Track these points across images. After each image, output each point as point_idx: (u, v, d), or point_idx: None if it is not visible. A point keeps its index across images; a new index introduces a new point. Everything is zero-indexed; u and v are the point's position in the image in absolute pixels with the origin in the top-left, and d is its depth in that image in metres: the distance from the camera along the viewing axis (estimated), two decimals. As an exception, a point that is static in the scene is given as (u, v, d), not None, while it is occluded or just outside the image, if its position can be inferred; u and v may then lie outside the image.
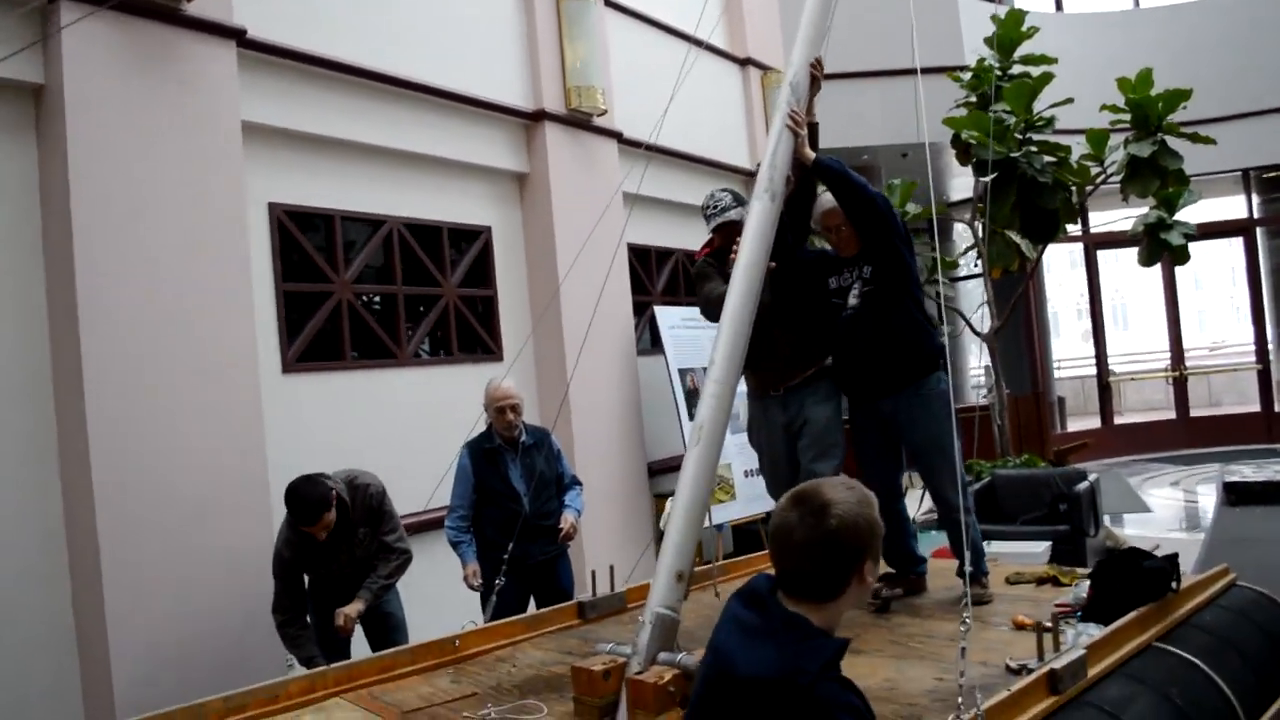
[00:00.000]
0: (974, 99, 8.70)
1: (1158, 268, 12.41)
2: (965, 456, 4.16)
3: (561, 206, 6.89)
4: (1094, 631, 3.30)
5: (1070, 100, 7.87)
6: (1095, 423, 14.65)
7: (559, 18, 7.06)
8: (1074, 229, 10.17)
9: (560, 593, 4.94)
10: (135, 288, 4.37)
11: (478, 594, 4.79)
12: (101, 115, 4.33)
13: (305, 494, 4.14)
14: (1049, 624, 3.15)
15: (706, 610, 4.34)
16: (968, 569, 3.76)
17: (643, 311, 8.06)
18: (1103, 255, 14.67)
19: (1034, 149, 7.96)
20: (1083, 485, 7.22)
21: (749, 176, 9.18)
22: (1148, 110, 8.00)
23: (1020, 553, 6.12)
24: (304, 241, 5.51)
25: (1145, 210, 8.73)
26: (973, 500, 3.89)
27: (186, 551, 4.41)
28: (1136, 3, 14.81)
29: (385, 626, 4.49)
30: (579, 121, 7.14)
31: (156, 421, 4.38)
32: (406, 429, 5.87)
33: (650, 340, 8.06)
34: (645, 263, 8.37)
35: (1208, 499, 10.66)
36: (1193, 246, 8.66)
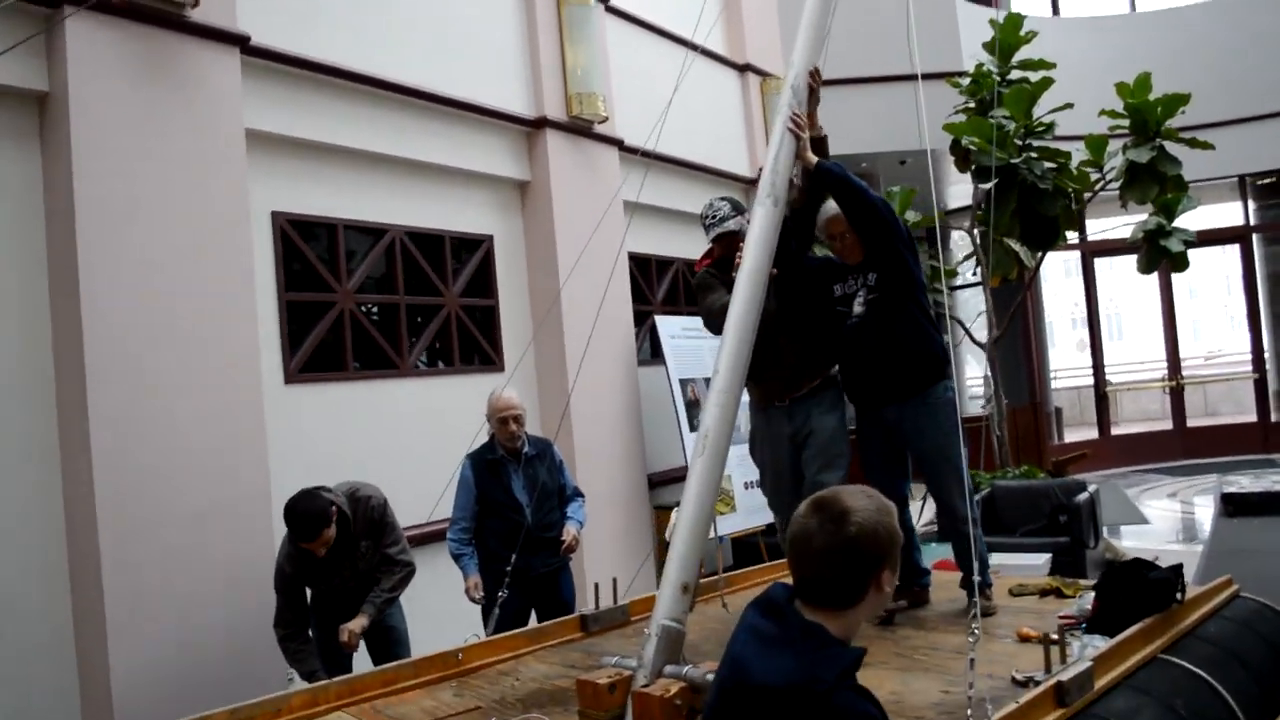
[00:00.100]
0: (973, 104, 8.71)
1: (1152, 276, 12.46)
2: (970, 466, 4.15)
3: (563, 215, 6.89)
4: (1099, 643, 3.29)
5: (1070, 105, 7.88)
6: (1092, 433, 14.63)
7: (560, 24, 7.07)
8: (1072, 236, 10.17)
9: (562, 605, 4.92)
10: (139, 296, 4.37)
11: (479, 606, 4.78)
12: (105, 122, 4.33)
13: (304, 510, 4.12)
14: (1055, 636, 3.15)
15: (711, 623, 4.33)
16: (976, 578, 3.75)
17: (643, 321, 8.05)
18: (1097, 264, 14.69)
19: (1034, 155, 7.96)
20: (1082, 496, 7.21)
21: (749, 184, 9.20)
22: (1146, 115, 8.01)
23: (1020, 564, 6.11)
24: (307, 250, 5.50)
25: (1143, 217, 8.74)
26: (979, 510, 3.88)
27: (188, 562, 4.40)
28: (1133, 7, 14.85)
29: (388, 640, 4.47)
30: (580, 129, 7.14)
31: (159, 431, 4.37)
32: (408, 440, 5.86)
33: (650, 350, 8.05)
34: (646, 272, 8.37)
35: (1205, 510, 10.66)
36: (1189, 254, 8.67)
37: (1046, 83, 8.10)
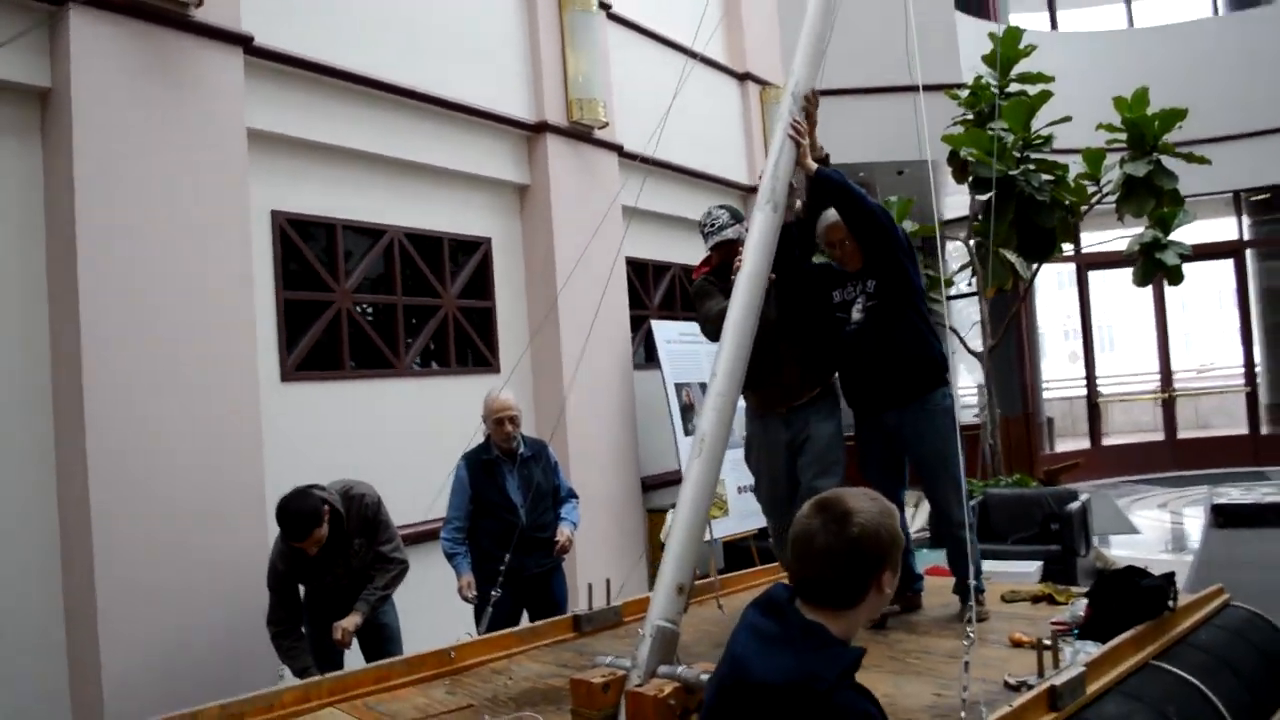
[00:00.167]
0: (970, 116, 8.76)
1: (1144, 290, 12.51)
2: (967, 474, 4.17)
3: (561, 219, 6.90)
4: (1092, 649, 3.31)
5: (1068, 119, 7.93)
6: (1083, 444, 14.69)
7: (562, 30, 7.09)
8: (1067, 248, 10.22)
9: (554, 606, 4.93)
10: (138, 292, 4.36)
11: (471, 606, 4.78)
12: (107, 119, 4.33)
13: (295, 510, 4.12)
14: (1048, 641, 3.17)
15: (705, 625, 4.35)
16: (973, 582, 3.77)
17: (639, 325, 8.07)
18: (1089, 276, 14.75)
19: (1032, 167, 8.01)
20: (1074, 505, 7.25)
21: (747, 192, 9.22)
22: (1144, 129, 8.07)
23: (1012, 572, 6.14)
24: (305, 250, 5.50)
25: (1140, 230, 8.79)
26: (974, 516, 3.91)
27: (181, 559, 4.39)
28: (1131, 23, 14.93)
29: (380, 637, 4.47)
30: (580, 134, 7.16)
31: (155, 427, 4.37)
32: (403, 440, 5.86)
33: (646, 354, 8.07)
34: (643, 277, 8.38)
35: (1194, 521, 10.71)
36: (1184, 267, 8.72)
37: (1045, 96, 8.16)
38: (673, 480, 7.72)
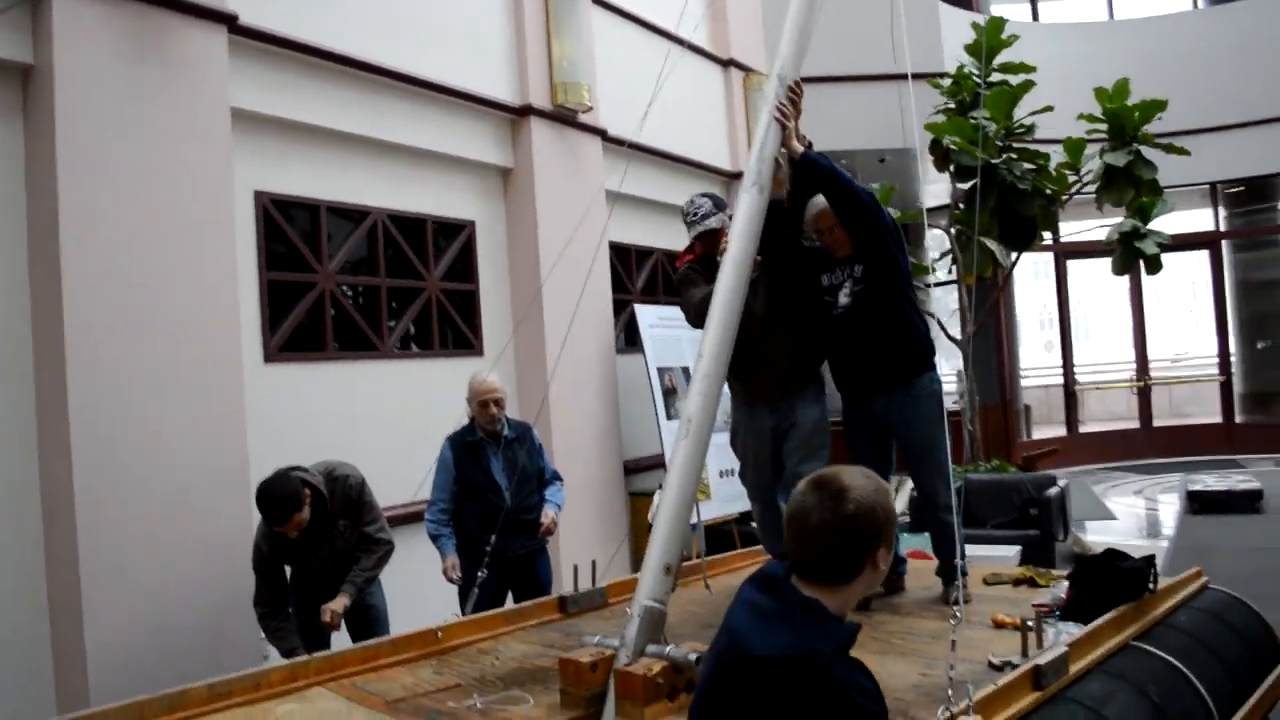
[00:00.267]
0: (952, 105, 8.80)
1: (1118, 280, 12.61)
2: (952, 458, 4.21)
3: (545, 203, 6.89)
4: (1074, 630, 3.36)
5: (1050, 108, 7.99)
6: (1059, 431, 14.82)
7: (547, 13, 7.06)
8: (1047, 237, 10.28)
9: (539, 587, 4.95)
10: (121, 271, 4.33)
11: (456, 587, 4.79)
12: (91, 97, 4.28)
13: (275, 495, 4.10)
14: (1031, 622, 3.21)
15: (690, 606, 4.37)
16: (960, 561, 3.80)
17: (622, 310, 8.07)
18: (1068, 265, 14.86)
19: (1014, 156, 8.06)
20: (1053, 490, 7.32)
21: (730, 178, 9.24)
22: (1124, 120, 8.13)
23: (991, 556, 6.21)
24: (289, 230, 5.47)
25: (1118, 220, 8.86)
26: (960, 500, 3.95)
27: (165, 539, 4.37)
28: (1111, 15, 15.01)
29: (367, 618, 4.47)
30: (564, 118, 7.15)
31: (138, 406, 4.34)
32: (387, 421, 5.85)
33: (628, 339, 8.07)
34: (625, 261, 8.38)
35: (1169, 508, 10.83)
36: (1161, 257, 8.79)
37: (1027, 85, 8.20)
38: (655, 464, 7.75)
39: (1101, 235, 9.29)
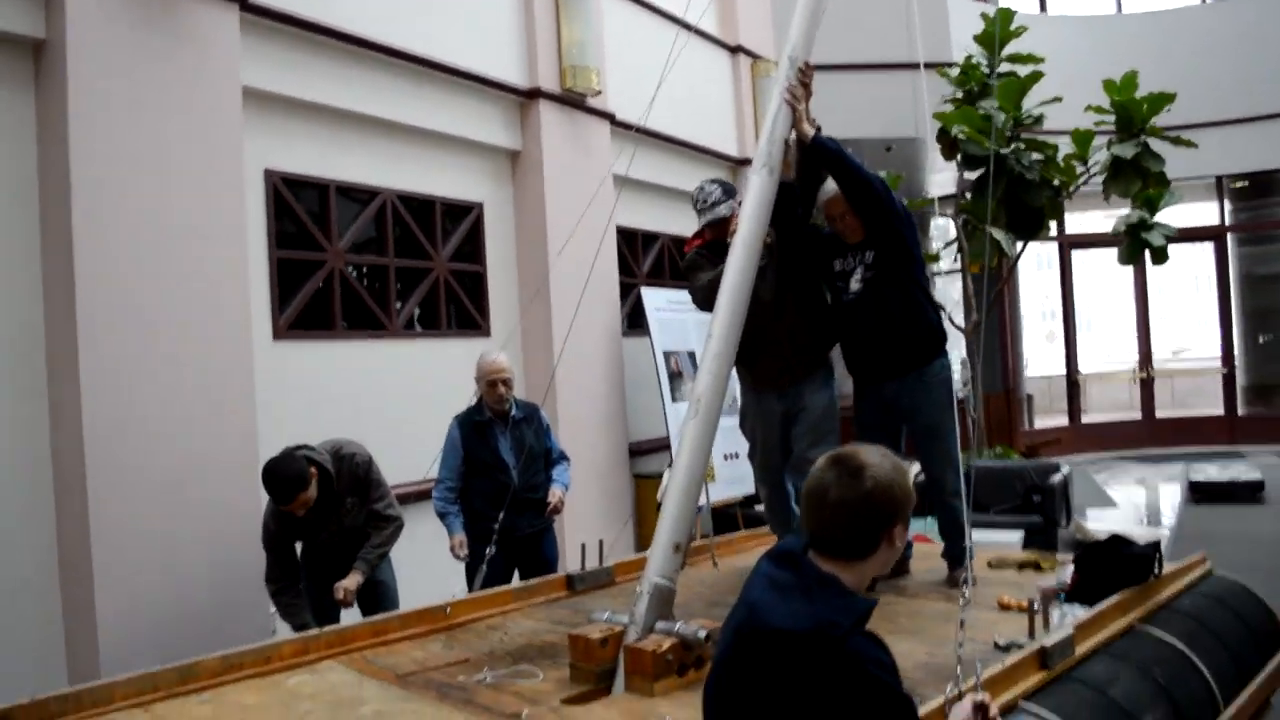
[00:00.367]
0: (960, 95, 8.79)
1: (1121, 273, 12.60)
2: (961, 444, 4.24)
3: (553, 186, 6.90)
4: (1080, 612, 3.39)
5: (1059, 99, 7.98)
6: (1061, 421, 14.84)
7: (557, -3, 7.07)
8: (1053, 227, 10.29)
9: (545, 565, 4.98)
10: (132, 247, 4.34)
11: (463, 565, 4.82)
12: (102, 72, 4.28)
13: (281, 475, 4.11)
14: (1038, 604, 3.24)
15: (698, 586, 4.40)
16: (969, 544, 3.83)
17: (628, 293, 8.09)
18: (1072, 256, 14.86)
19: (1022, 146, 8.06)
20: (1056, 477, 7.35)
21: (737, 164, 9.24)
22: (1132, 112, 8.12)
23: (994, 541, 6.21)
24: (299, 209, 5.49)
25: (1125, 211, 8.86)
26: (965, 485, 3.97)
27: (175, 514, 4.40)
28: (1119, 8, 14.98)
29: (375, 594, 4.49)
30: (573, 101, 7.15)
31: (149, 382, 4.36)
32: (394, 400, 5.87)
33: (634, 322, 8.09)
34: (632, 245, 8.40)
35: (1170, 498, 10.86)
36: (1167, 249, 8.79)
37: (1036, 76, 8.19)
38: (660, 446, 7.78)
39: (1104, 226, 9.30)
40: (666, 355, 7.46)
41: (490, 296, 6.77)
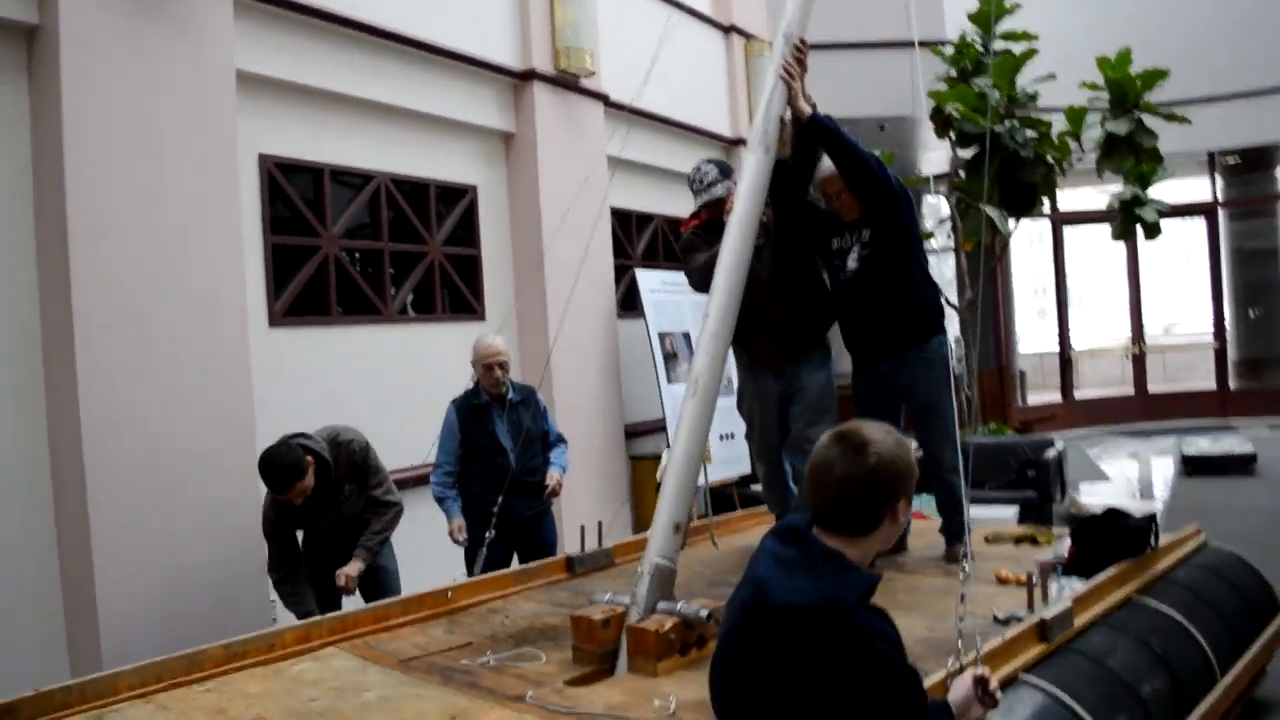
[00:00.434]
0: (954, 73, 8.78)
1: (1112, 249, 12.63)
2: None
3: (547, 168, 6.88)
4: (1078, 585, 3.42)
5: (1053, 76, 7.98)
6: (1054, 397, 14.90)
7: (549, -23, 7.03)
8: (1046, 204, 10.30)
9: (544, 548, 4.99)
10: (127, 235, 4.32)
11: (462, 549, 4.83)
12: (96, 57, 4.25)
13: (277, 465, 4.11)
14: (1036, 578, 3.26)
15: (697, 566, 4.43)
16: (968, 518, 3.85)
17: (623, 275, 8.08)
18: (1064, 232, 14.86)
19: (1016, 123, 8.06)
20: (1050, 453, 7.38)
21: (730, 144, 9.23)
22: (1126, 88, 8.12)
23: (989, 517, 6.25)
24: (293, 194, 5.47)
25: (1118, 188, 8.88)
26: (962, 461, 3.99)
27: (174, 503, 4.39)
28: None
29: (377, 579, 4.50)
30: (567, 83, 7.12)
31: (146, 369, 4.35)
32: (391, 385, 5.87)
33: (629, 304, 8.09)
34: (626, 227, 8.38)
35: (1162, 471, 10.92)
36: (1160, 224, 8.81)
37: (1030, 53, 8.18)
38: (655, 428, 7.79)
39: (1095, 203, 9.30)
40: (661, 337, 7.47)
41: (485, 280, 6.76)
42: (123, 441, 4.24)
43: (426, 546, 5.09)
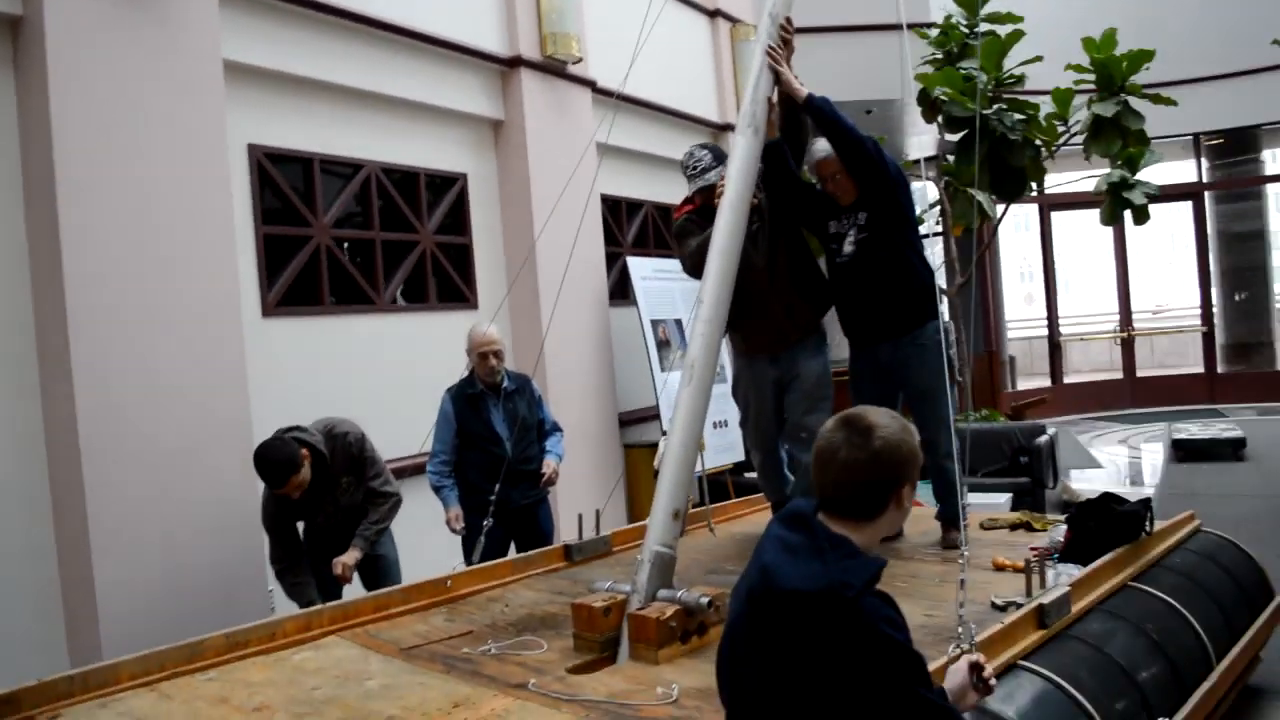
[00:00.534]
0: (940, 56, 8.75)
1: (1099, 233, 12.64)
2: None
3: (536, 155, 6.86)
4: (1074, 571, 3.44)
5: (1040, 58, 7.96)
6: (1042, 383, 14.96)
7: (535, -38, 6.99)
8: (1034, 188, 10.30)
9: (541, 537, 5.00)
10: (118, 227, 4.28)
11: (460, 538, 4.84)
12: (82, 48, 4.20)
13: (272, 459, 4.10)
14: (1035, 564, 3.28)
15: (694, 553, 4.44)
16: (964, 503, 3.87)
17: (613, 262, 8.07)
18: (1052, 217, 14.90)
19: (1004, 106, 8.04)
20: (1043, 439, 7.41)
21: (718, 129, 9.21)
22: (1112, 70, 8.10)
23: (982, 504, 6.28)
24: (283, 184, 5.43)
25: (1105, 171, 8.88)
26: (957, 446, 4.01)
27: (170, 494, 4.37)
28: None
29: (378, 568, 4.51)
30: (554, 69, 7.09)
31: (141, 362, 4.32)
32: (384, 375, 5.85)
33: (620, 291, 8.08)
34: (616, 214, 8.37)
35: (1153, 456, 10.99)
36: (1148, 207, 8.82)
37: (1018, 35, 8.16)
38: (649, 416, 7.79)
39: (1079, 187, 9.28)
40: (654, 324, 7.46)
41: (477, 268, 6.74)
42: (119, 431, 4.22)
43: (424, 535, 5.09)
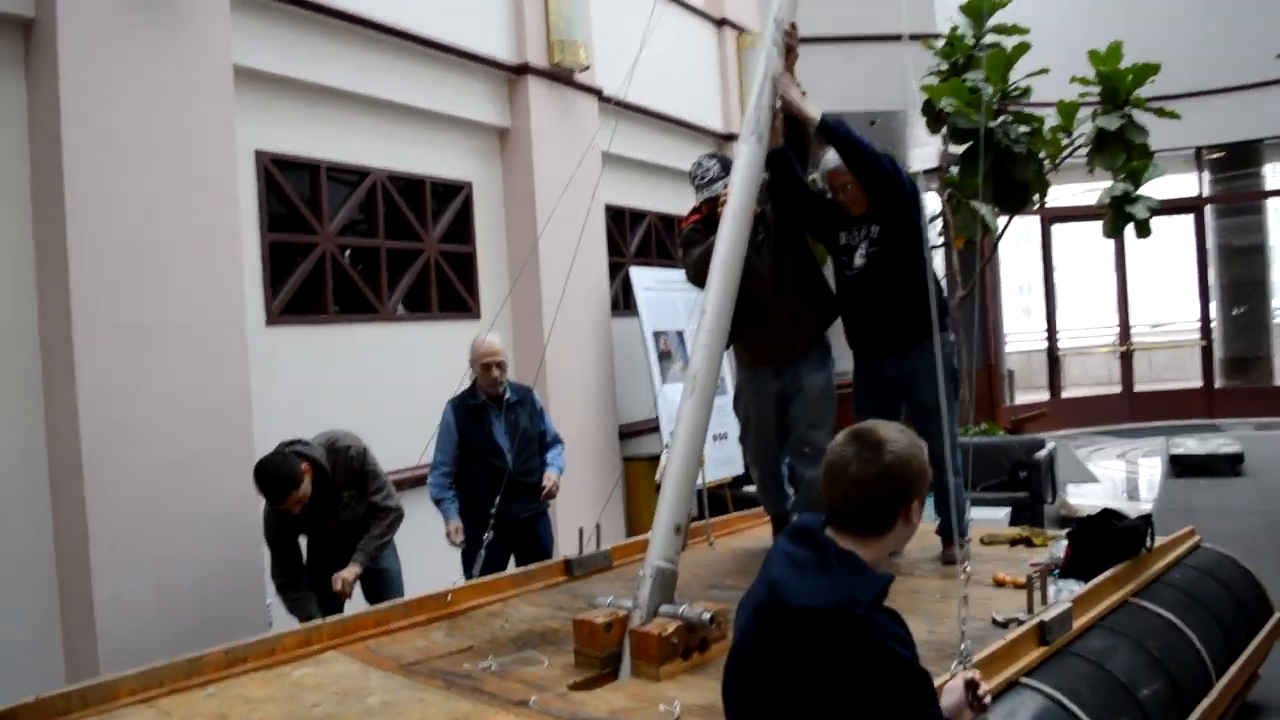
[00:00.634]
0: (945, 67, 8.76)
1: (1099, 246, 12.62)
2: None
3: (541, 163, 6.86)
4: (1075, 587, 3.44)
5: (1045, 70, 7.96)
6: (1041, 396, 14.96)
7: (543, -30, 7.01)
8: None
9: (540, 550, 4.99)
10: (125, 232, 4.28)
11: (459, 551, 4.82)
12: (93, 51, 4.21)
13: (272, 474, 4.09)
14: (1036, 580, 3.28)
15: (694, 568, 4.42)
16: (969, 519, 3.86)
17: (616, 273, 8.08)
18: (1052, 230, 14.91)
19: (1009, 119, 8.05)
20: (1042, 453, 7.41)
21: (723, 139, 9.22)
22: (1117, 83, 8.11)
23: (981, 519, 6.27)
24: (290, 191, 5.44)
25: (1108, 184, 8.88)
26: (959, 461, 4.01)
27: (172, 504, 4.36)
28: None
29: (379, 581, 4.49)
30: (561, 77, 7.10)
31: (144, 368, 4.32)
32: (387, 384, 5.84)
33: (623, 302, 8.08)
34: (619, 224, 8.37)
35: (1151, 471, 10.98)
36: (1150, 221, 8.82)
37: (1023, 48, 8.17)
38: (649, 428, 7.77)
39: (1081, 200, 9.28)
40: (656, 335, 7.46)
41: (480, 277, 6.74)
42: (121, 441, 4.22)
43: (423, 549, 5.08)
